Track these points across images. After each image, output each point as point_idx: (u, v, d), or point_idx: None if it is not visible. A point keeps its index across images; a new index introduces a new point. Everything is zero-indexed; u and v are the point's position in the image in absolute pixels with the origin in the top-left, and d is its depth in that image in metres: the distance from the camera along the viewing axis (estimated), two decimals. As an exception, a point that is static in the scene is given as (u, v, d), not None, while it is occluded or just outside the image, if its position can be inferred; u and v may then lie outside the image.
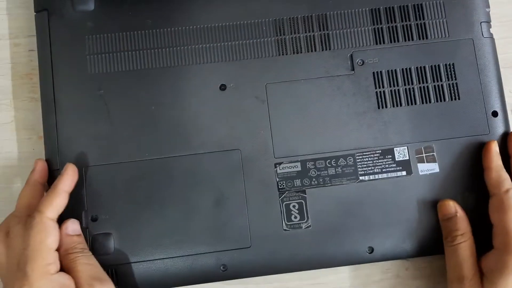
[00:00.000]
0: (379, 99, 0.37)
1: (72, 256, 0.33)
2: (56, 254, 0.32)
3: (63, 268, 0.32)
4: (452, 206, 0.35)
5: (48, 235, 0.32)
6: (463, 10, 0.38)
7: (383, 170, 0.37)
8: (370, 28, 0.38)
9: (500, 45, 0.39)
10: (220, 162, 0.36)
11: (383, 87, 0.38)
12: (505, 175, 0.35)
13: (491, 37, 0.38)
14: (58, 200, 0.33)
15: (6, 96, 0.40)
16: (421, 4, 0.38)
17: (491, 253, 0.33)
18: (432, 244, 0.36)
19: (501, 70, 0.38)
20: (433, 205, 0.36)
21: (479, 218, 0.35)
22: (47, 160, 0.36)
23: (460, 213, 0.35)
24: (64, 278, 0.31)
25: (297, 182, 0.36)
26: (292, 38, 0.38)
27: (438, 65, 0.38)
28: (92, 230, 0.35)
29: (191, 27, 0.38)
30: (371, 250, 0.36)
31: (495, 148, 0.36)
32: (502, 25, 0.41)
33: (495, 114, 0.37)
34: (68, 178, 0.34)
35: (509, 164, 0.36)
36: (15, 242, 0.32)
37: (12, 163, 0.38)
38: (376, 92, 0.37)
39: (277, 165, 0.37)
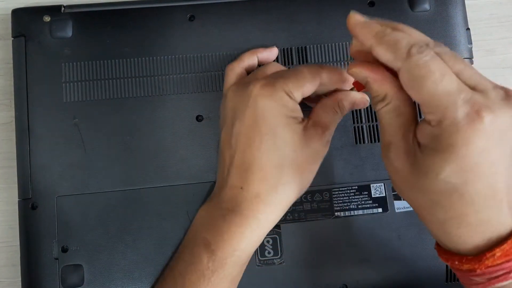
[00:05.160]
0: (357, 134, 0.37)
1: None
2: (300, 97, 0.31)
3: None
4: (359, 72, 0.27)
5: (310, 81, 0.31)
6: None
7: (359, 206, 0.36)
8: (349, 62, 0.38)
9: (500, 45, 0.39)
10: (194, 194, 0.36)
11: (361, 122, 0.37)
12: (397, 35, 0.25)
13: (472, 73, 0.38)
14: (335, 76, 0.32)
15: (6, 96, 0.39)
16: (402, 39, 0.38)
17: (424, 124, 0.25)
18: (407, 282, 0.36)
19: (501, 70, 0.38)
20: (409, 243, 0.36)
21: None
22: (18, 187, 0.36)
23: (372, 76, 0.27)
24: (298, 106, 0.31)
25: (272, 217, 0.36)
26: (271, 70, 0.38)
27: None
28: (62, 261, 0.35)
29: (169, 56, 0.37)
30: (345, 287, 0.36)
31: (355, 18, 0.28)
32: (501, 25, 0.41)
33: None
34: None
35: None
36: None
37: (12, 163, 0.37)
38: (354, 127, 0.37)
39: (252, 199, 0.36)
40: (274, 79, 0.31)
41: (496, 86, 0.24)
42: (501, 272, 0.25)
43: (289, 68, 0.37)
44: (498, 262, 0.24)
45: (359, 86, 0.30)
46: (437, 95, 0.23)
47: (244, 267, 0.33)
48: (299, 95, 0.31)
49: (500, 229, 0.25)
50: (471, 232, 0.25)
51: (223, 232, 0.31)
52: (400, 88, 0.26)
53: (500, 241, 0.25)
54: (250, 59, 0.36)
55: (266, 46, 0.37)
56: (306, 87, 0.30)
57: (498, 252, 0.24)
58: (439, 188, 0.24)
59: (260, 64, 0.37)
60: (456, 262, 0.26)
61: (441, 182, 0.24)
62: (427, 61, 0.23)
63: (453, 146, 0.23)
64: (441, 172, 0.24)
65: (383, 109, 0.27)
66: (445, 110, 0.23)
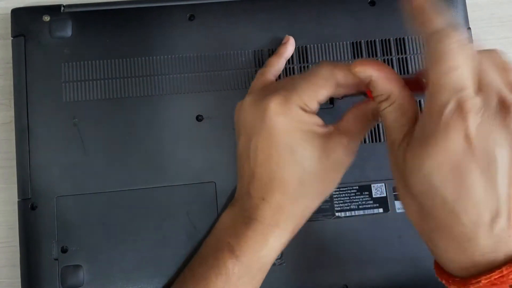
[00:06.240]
0: (358, 134, 0.37)
1: None
2: (316, 106, 0.30)
3: None
4: (363, 71, 0.27)
5: (324, 88, 0.29)
6: (445, 45, 0.38)
7: (360, 206, 0.36)
8: (350, 61, 0.38)
9: (500, 45, 0.39)
10: (194, 195, 0.36)
11: (362, 122, 0.37)
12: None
13: (473, 72, 0.38)
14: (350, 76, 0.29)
15: (5, 96, 0.39)
16: (403, 38, 0.38)
17: (420, 116, 0.25)
18: (408, 283, 0.36)
19: (502, 70, 0.38)
20: (410, 243, 0.36)
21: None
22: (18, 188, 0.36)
23: (376, 74, 0.27)
24: (315, 118, 0.30)
25: (272, 217, 0.36)
26: (271, 69, 0.37)
27: (419, 101, 0.37)
28: (61, 261, 0.35)
29: (169, 56, 0.37)
30: (346, 288, 0.36)
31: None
32: (502, 25, 0.42)
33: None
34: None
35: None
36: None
37: (12, 163, 0.37)
38: (355, 127, 0.37)
39: (252, 199, 0.36)
40: (289, 93, 0.30)
41: (502, 98, 0.23)
42: None
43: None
44: None
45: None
46: (442, 80, 0.22)
47: (268, 270, 0.33)
48: (314, 104, 0.30)
49: (490, 255, 0.23)
50: (457, 249, 0.24)
51: (247, 239, 0.31)
52: (404, 86, 0.26)
53: (489, 269, 0.23)
54: (279, 63, 0.36)
55: (266, 44, 0.38)
56: (321, 94, 0.30)
57: (484, 279, 0.23)
58: (423, 188, 0.24)
59: None
60: (443, 281, 0.25)
61: (424, 179, 0.23)
62: (452, 46, 0.22)
63: (434, 136, 0.22)
64: (422, 166, 0.23)
65: (388, 109, 0.26)
66: (440, 97, 0.22)
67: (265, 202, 0.31)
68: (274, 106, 0.30)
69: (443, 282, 0.25)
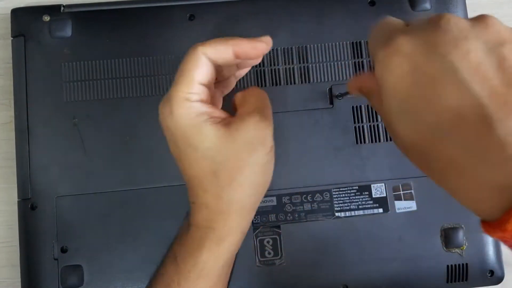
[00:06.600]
0: (358, 134, 0.37)
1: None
2: (202, 88, 0.28)
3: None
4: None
5: (197, 67, 0.28)
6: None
7: (360, 206, 0.36)
8: (350, 61, 0.38)
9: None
10: (194, 195, 0.36)
11: (362, 122, 0.37)
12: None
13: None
14: (221, 46, 0.28)
15: (5, 96, 0.39)
16: (403, 38, 0.38)
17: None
18: (408, 283, 0.36)
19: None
20: (410, 243, 0.36)
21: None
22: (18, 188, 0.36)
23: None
24: (205, 107, 0.28)
25: (272, 217, 0.36)
26: (271, 69, 0.38)
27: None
28: (61, 261, 0.35)
29: (169, 56, 0.37)
30: (346, 288, 0.36)
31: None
32: None
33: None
34: (243, 43, 0.29)
35: None
36: None
37: (12, 163, 0.37)
38: (355, 127, 0.37)
39: (252, 199, 0.36)
40: (169, 91, 0.28)
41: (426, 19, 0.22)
42: None
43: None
44: None
45: None
46: (377, 39, 0.23)
47: (219, 280, 0.31)
48: (196, 89, 0.28)
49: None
50: (474, 185, 0.20)
51: (186, 244, 0.30)
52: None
53: None
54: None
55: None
56: (197, 74, 0.28)
57: None
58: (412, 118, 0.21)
59: None
60: (497, 236, 0.20)
61: (415, 123, 0.21)
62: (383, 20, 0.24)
63: (383, 74, 0.22)
64: (406, 109, 0.21)
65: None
66: (377, 47, 0.23)
67: (194, 205, 0.29)
68: (160, 110, 0.29)
69: (498, 238, 0.20)
